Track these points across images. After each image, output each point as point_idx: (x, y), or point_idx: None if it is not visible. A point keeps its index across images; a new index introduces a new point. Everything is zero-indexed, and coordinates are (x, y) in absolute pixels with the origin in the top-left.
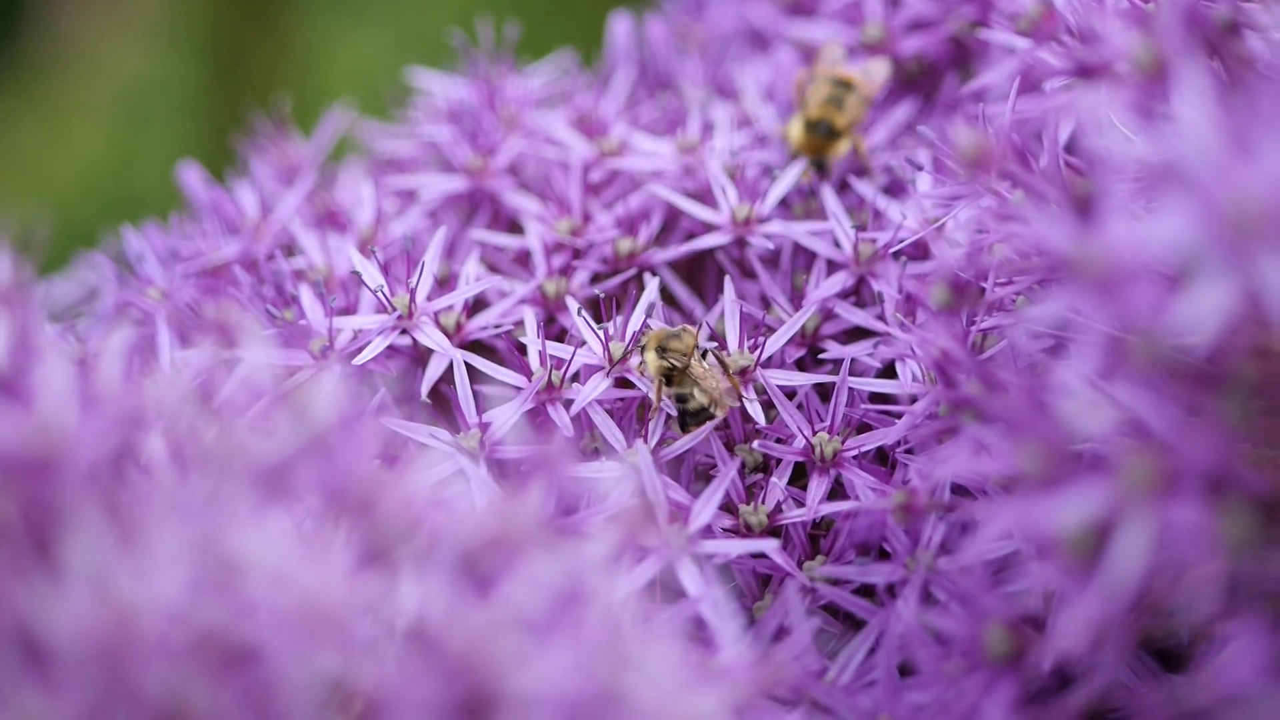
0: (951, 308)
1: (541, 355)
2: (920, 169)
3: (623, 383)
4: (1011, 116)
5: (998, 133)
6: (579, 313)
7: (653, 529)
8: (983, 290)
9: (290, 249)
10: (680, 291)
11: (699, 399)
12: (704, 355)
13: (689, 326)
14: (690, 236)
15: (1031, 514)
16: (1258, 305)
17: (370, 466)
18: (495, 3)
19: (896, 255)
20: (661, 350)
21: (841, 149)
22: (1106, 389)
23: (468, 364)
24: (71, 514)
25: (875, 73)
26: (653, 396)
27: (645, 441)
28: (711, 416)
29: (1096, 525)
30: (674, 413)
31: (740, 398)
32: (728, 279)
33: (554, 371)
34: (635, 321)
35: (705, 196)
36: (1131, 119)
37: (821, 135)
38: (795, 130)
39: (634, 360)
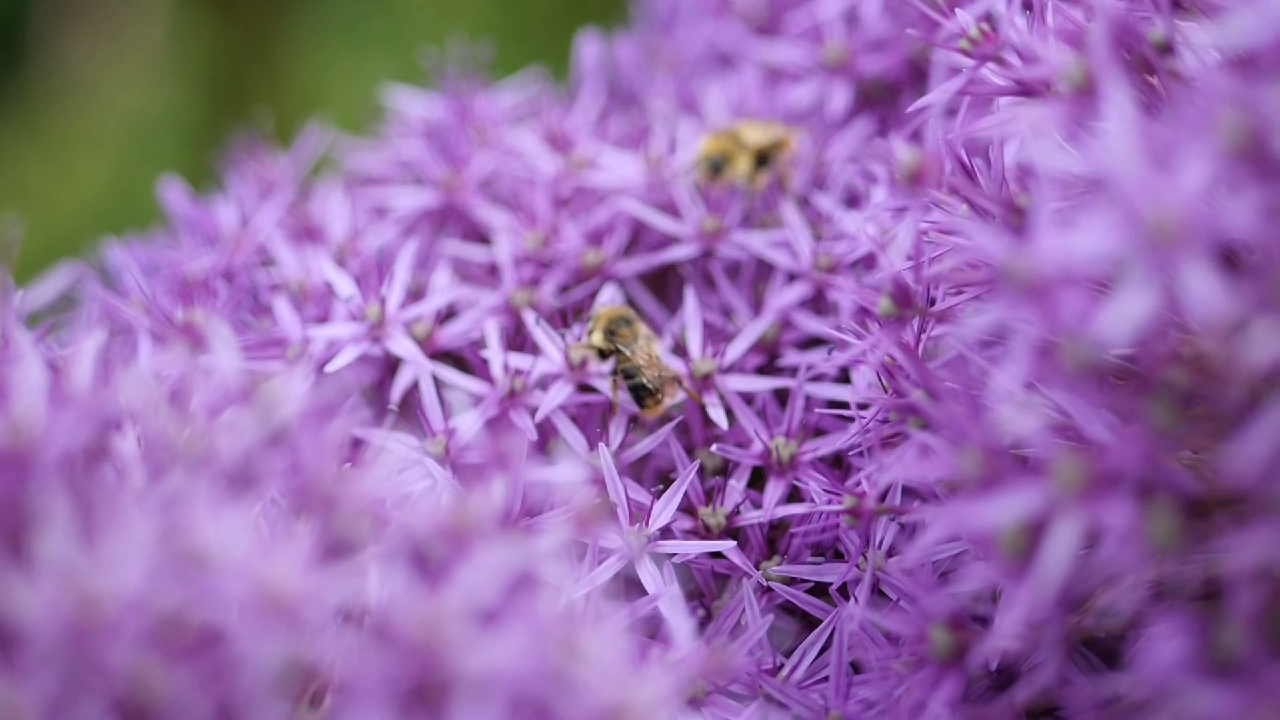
0: (897, 317)
1: (505, 364)
2: (876, 182)
3: (585, 388)
4: (959, 133)
5: (940, 148)
6: (536, 322)
7: (607, 524)
8: (931, 300)
9: (268, 262)
10: (646, 302)
11: (646, 376)
12: (648, 339)
13: (633, 314)
14: (656, 248)
15: (970, 515)
16: (1184, 313)
17: (332, 462)
18: (495, 32)
19: (853, 266)
20: (610, 333)
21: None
22: (1040, 393)
23: (435, 374)
24: (41, 507)
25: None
26: (581, 357)
27: (607, 445)
28: (661, 398)
29: (1030, 525)
30: (635, 409)
31: (680, 384)
32: (689, 288)
33: (516, 379)
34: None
35: (671, 210)
36: (1065, 135)
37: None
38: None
39: (586, 338)
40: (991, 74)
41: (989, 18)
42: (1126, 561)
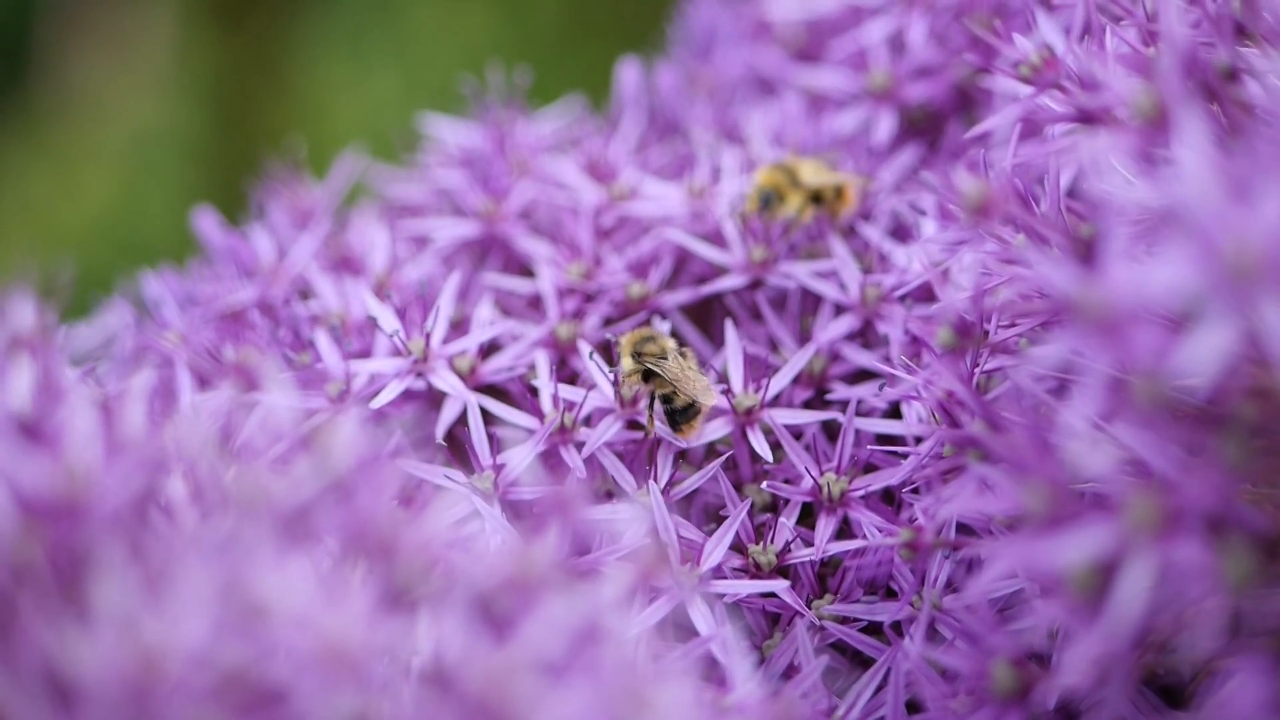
0: (956, 349)
1: (554, 398)
2: (924, 214)
3: (634, 425)
4: (1013, 161)
5: (999, 178)
6: (590, 355)
7: (666, 568)
8: (986, 333)
9: (305, 293)
10: (691, 334)
11: (683, 398)
12: (682, 355)
13: (660, 331)
14: (700, 280)
15: (1036, 552)
16: (1257, 347)
17: (389, 509)
18: (502, 47)
19: (902, 298)
20: (637, 355)
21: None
22: (1109, 429)
23: (481, 407)
24: (98, 557)
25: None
26: (622, 395)
27: (655, 482)
28: (699, 411)
29: (1101, 563)
30: (682, 445)
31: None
32: (729, 322)
33: (566, 414)
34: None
35: (714, 240)
36: (1132, 164)
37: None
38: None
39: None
40: (1051, 101)
41: (1048, 45)
42: (1198, 599)
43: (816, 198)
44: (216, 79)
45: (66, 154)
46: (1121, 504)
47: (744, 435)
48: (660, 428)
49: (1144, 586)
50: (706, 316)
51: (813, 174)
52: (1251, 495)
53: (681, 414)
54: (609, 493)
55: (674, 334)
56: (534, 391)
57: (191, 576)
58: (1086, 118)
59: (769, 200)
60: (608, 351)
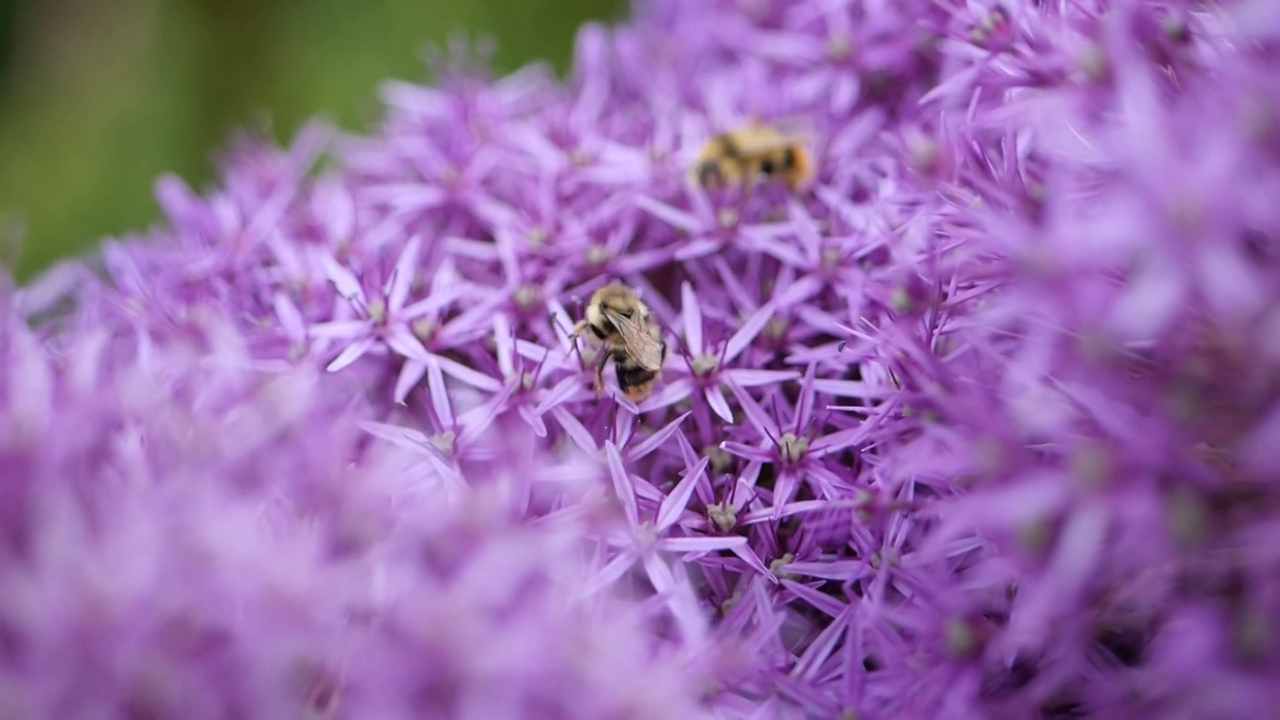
0: (911, 311)
1: (514, 358)
2: (884, 176)
3: (593, 387)
4: (970, 124)
5: (953, 140)
6: (553, 318)
7: (619, 523)
8: (944, 295)
9: (268, 261)
10: (653, 299)
11: (632, 359)
12: (646, 320)
13: (632, 292)
14: (661, 245)
15: (988, 509)
16: (1204, 303)
17: (339, 461)
18: (484, 31)
19: (861, 261)
20: (604, 306)
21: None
22: (1059, 386)
23: (442, 370)
24: (45, 508)
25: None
26: (574, 348)
27: (614, 443)
28: (651, 376)
29: (1050, 519)
30: (631, 409)
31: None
32: (687, 286)
33: (526, 375)
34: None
35: (677, 205)
36: (1081, 124)
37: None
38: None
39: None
40: (1004, 65)
41: (1000, 8)
42: (1148, 555)
43: (768, 166)
44: (199, 66)
45: (49, 142)
46: (1069, 459)
47: (703, 397)
48: (611, 388)
49: (1091, 541)
50: (668, 282)
51: (750, 141)
52: (1206, 454)
53: (631, 375)
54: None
55: (644, 301)
56: (495, 355)
57: (136, 524)
58: (1039, 80)
59: (706, 174)
60: (572, 316)
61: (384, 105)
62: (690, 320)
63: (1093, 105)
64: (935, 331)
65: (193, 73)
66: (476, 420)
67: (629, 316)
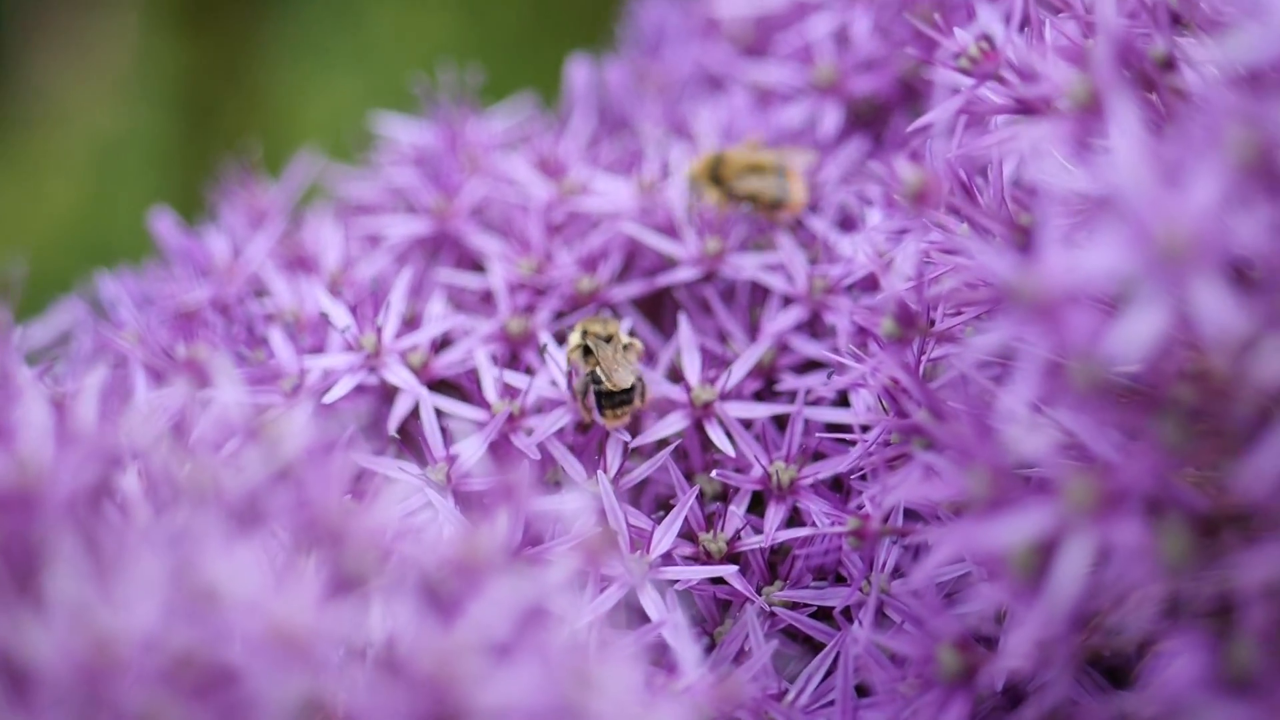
0: (900, 338)
1: (501, 387)
2: (870, 204)
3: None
4: (957, 152)
5: (941, 167)
6: (543, 349)
7: (614, 554)
8: (932, 321)
9: (260, 292)
10: (641, 328)
11: (608, 383)
12: (626, 348)
13: (614, 320)
14: (650, 274)
15: (979, 535)
16: (1191, 329)
17: (339, 497)
18: (463, 49)
19: (849, 289)
20: (585, 333)
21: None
22: (1048, 413)
23: (434, 401)
24: (50, 547)
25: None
26: (566, 380)
27: (605, 472)
28: (628, 400)
29: (1041, 544)
30: (616, 433)
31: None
32: (683, 315)
33: (515, 403)
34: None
35: (666, 233)
36: (1069, 152)
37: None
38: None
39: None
40: (991, 92)
41: (987, 36)
42: (1137, 579)
43: (756, 199)
44: (180, 85)
45: (32, 161)
46: (1060, 485)
47: (698, 426)
48: (595, 413)
49: (1082, 566)
50: (657, 310)
51: (743, 159)
52: (1194, 478)
53: (607, 398)
54: (559, 484)
55: (632, 332)
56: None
57: (142, 562)
58: (1025, 108)
59: (699, 188)
60: (562, 345)
61: (369, 130)
62: (687, 349)
63: (1079, 133)
64: (923, 358)
65: (174, 92)
66: (470, 450)
67: (608, 342)
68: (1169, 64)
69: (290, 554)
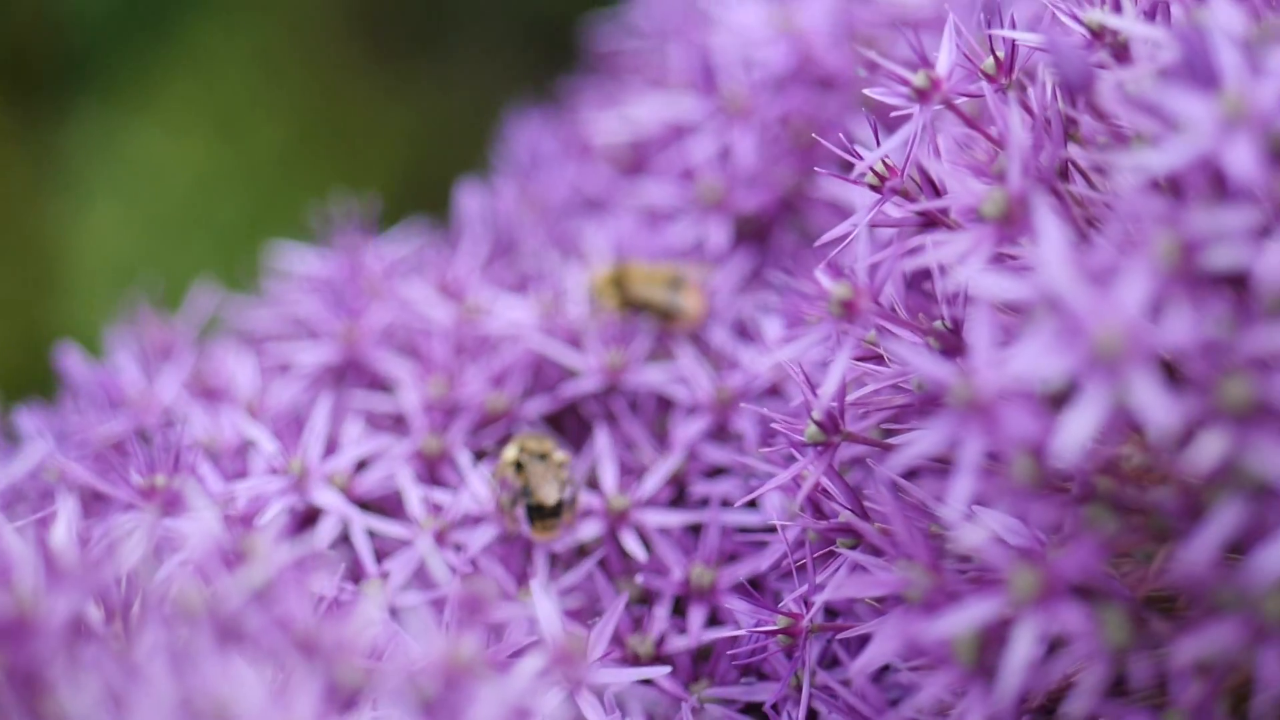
0: (824, 444)
1: (426, 505)
2: (768, 314)
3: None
4: (869, 262)
5: (863, 278)
6: (463, 466)
7: (580, 659)
8: (839, 424)
9: (173, 422)
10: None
11: (537, 496)
12: (560, 467)
13: (548, 439)
14: (554, 388)
15: (922, 627)
16: (1122, 424)
17: (313, 612)
18: (227, 175)
19: (753, 395)
20: (520, 449)
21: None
22: (982, 509)
23: (359, 521)
24: (54, 675)
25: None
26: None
27: (534, 579)
28: (557, 516)
29: (984, 633)
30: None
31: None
32: (599, 426)
33: (442, 520)
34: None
35: (569, 348)
36: (985, 260)
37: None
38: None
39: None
40: (894, 208)
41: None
42: (1081, 661)
43: (649, 307)
44: None
45: None
46: (1004, 576)
47: (613, 535)
48: (522, 526)
49: (1029, 653)
50: (565, 422)
51: (643, 274)
52: (1124, 564)
53: (536, 512)
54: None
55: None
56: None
57: (148, 689)
58: (930, 221)
59: (600, 299)
60: (477, 462)
61: (269, 265)
62: (604, 459)
63: (1000, 242)
64: (835, 458)
65: None
66: (399, 568)
67: (543, 459)
68: (1063, 172)
69: (282, 669)
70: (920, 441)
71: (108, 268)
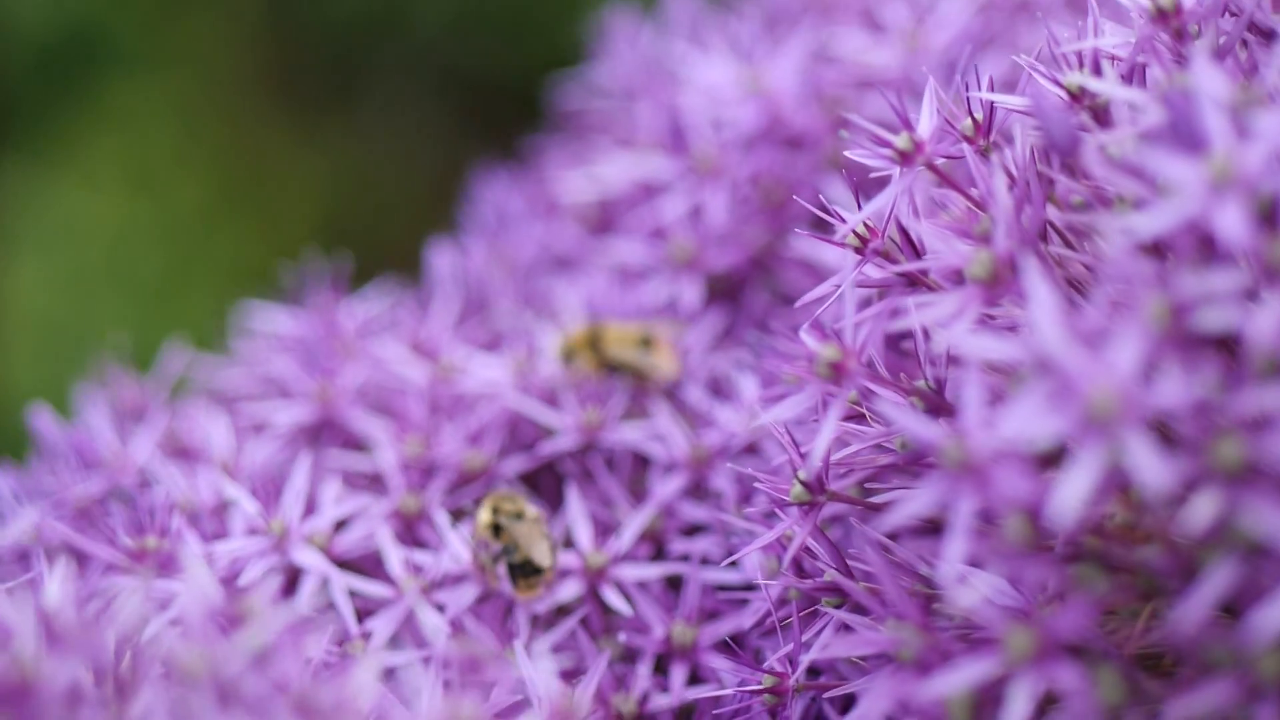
0: (809, 503)
1: (406, 566)
2: (743, 372)
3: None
4: (853, 322)
5: (849, 339)
6: (447, 526)
7: (574, 718)
8: (824, 484)
9: (147, 483)
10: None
11: (521, 554)
12: (535, 521)
13: (520, 496)
14: (530, 446)
15: (913, 687)
16: (1115, 485)
17: (308, 671)
18: (146, 231)
19: (730, 454)
20: (495, 510)
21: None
22: (976, 568)
23: (339, 581)
24: None
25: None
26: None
27: (519, 639)
28: (540, 573)
29: (979, 693)
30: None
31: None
32: (571, 485)
33: (423, 580)
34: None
35: (546, 403)
36: (974, 322)
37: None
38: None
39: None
40: (875, 268)
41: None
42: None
43: (622, 367)
44: None
45: None
46: (998, 636)
47: (593, 592)
48: (503, 585)
49: (1026, 712)
50: (540, 480)
51: (617, 334)
52: (1116, 623)
53: (520, 570)
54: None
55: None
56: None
57: None
58: (913, 281)
59: (571, 359)
60: (455, 518)
61: (236, 325)
62: (578, 517)
63: (987, 303)
64: (818, 515)
65: None
66: (380, 627)
67: (520, 519)
68: (1043, 234)
69: None
70: (912, 502)
71: (31, 323)
